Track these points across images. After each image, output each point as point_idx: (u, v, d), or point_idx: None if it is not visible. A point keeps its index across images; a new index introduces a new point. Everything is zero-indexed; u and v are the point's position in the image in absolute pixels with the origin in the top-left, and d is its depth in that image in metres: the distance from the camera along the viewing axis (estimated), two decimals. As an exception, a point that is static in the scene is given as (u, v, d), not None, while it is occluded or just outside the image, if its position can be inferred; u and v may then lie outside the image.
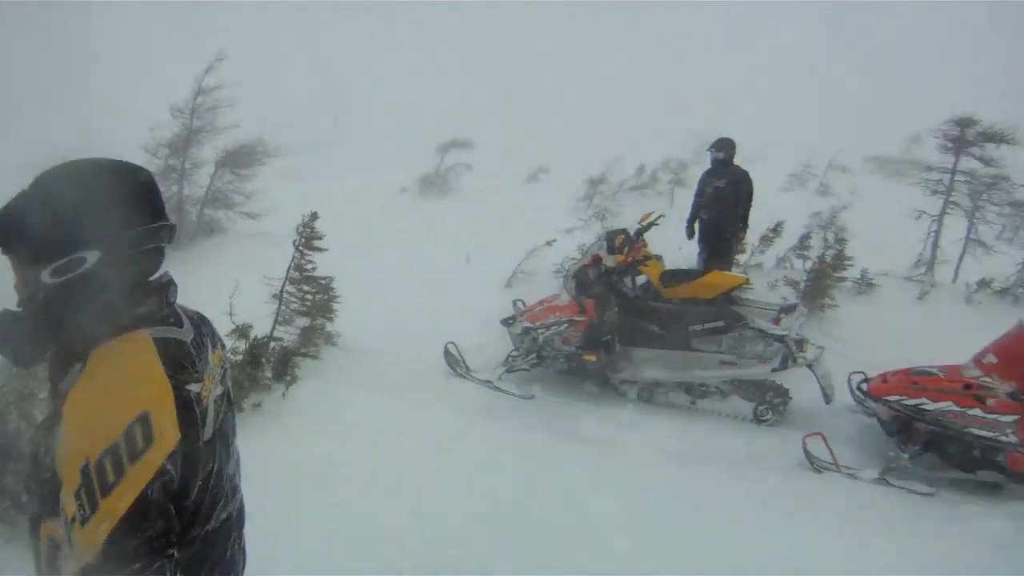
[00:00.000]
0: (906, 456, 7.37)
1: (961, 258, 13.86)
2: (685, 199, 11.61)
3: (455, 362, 8.71)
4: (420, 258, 12.74)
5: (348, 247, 10.12)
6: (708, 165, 11.08)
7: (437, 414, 7.47)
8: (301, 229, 8.42)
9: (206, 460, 1.89)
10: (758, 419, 8.47)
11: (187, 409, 1.81)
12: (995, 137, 13.03)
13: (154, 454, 1.67)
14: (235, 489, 2.16)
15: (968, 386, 7.22)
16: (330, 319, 8.93)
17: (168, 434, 1.72)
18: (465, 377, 8.62)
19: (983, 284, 12.71)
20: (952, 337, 9.30)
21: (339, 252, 8.98)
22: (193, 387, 1.86)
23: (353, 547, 4.93)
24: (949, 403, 7.17)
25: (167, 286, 2.02)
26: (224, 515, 2.02)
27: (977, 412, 7.08)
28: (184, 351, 1.90)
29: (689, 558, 5.37)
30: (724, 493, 6.66)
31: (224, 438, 2.07)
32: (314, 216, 8.51)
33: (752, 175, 10.99)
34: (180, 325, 1.98)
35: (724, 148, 10.80)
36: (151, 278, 1.97)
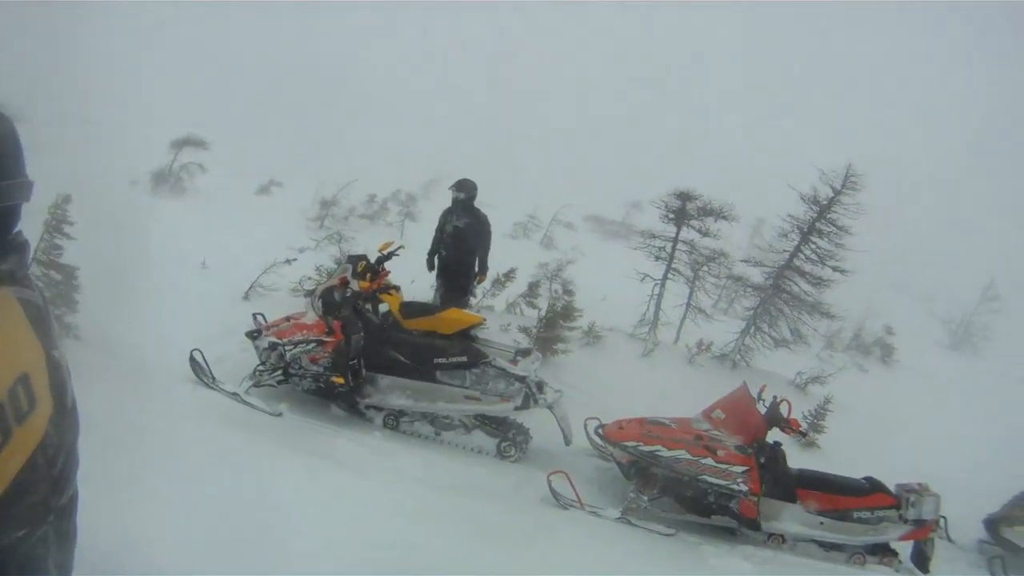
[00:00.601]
0: (645, 499, 7.94)
1: (682, 322, 14.96)
2: (413, 232, 11.90)
3: (201, 371, 8.43)
4: (159, 257, 12.19)
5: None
6: (437, 201, 11.30)
7: (190, 427, 7.23)
8: (52, 210, 7.94)
9: (71, 428, 1.79)
10: (502, 455, 8.74)
11: (57, 373, 1.72)
12: (712, 212, 14.21)
13: (39, 416, 1.60)
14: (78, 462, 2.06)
15: (699, 437, 7.90)
16: (73, 310, 8.46)
17: (46, 398, 1.64)
18: (211, 387, 8.36)
19: (703, 348, 13.76)
20: (675, 393, 10.11)
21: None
22: (55, 352, 1.76)
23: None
24: (683, 451, 7.80)
25: (24, 245, 1.87)
26: (72, 490, 1.86)
27: (709, 462, 7.76)
28: (42, 314, 1.80)
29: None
30: (476, 521, 6.85)
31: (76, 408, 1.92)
32: (67, 198, 8.06)
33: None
34: (33, 288, 1.84)
35: (465, 189, 11.00)
36: (8, 236, 1.80)
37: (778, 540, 8.21)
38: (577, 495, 7.87)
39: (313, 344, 8.40)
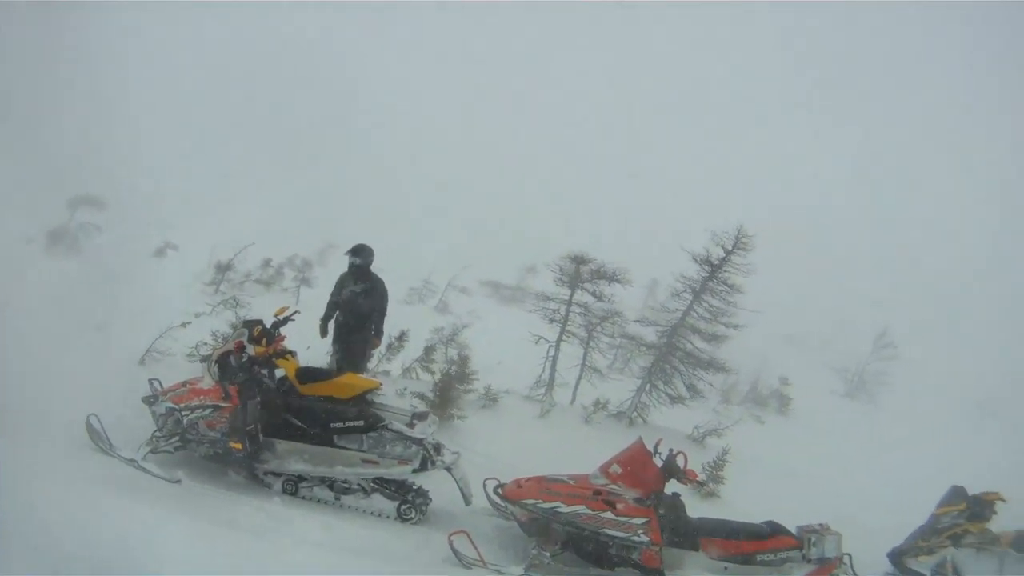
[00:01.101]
0: (547, 554, 7.95)
1: (578, 382, 15.09)
2: (309, 297, 11.85)
3: (97, 436, 8.24)
4: (53, 318, 11.85)
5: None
6: (332, 267, 11.28)
7: (83, 492, 7.02)
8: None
9: None
10: (402, 517, 8.69)
11: None
12: (605, 275, 14.46)
13: None
14: None
15: (598, 492, 7.95)
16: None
17: None
18: (108, 454, 8.17)
19: (598, 406, 13.88)
20: (573, 451, 10.17)
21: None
22: None
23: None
24: (582, 506, 7.85)
25: None
26: None
27: (608, 515, 7.81)
28: None
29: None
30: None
31: None
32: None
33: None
34: None
35: (362, 255, 10.98)
36: None
37: (684, 590, 8.27)
38: (479, 554, 7.84)
39: (210, 409, 8.33)
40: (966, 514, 9.90)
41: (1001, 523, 9.98)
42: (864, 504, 11.94)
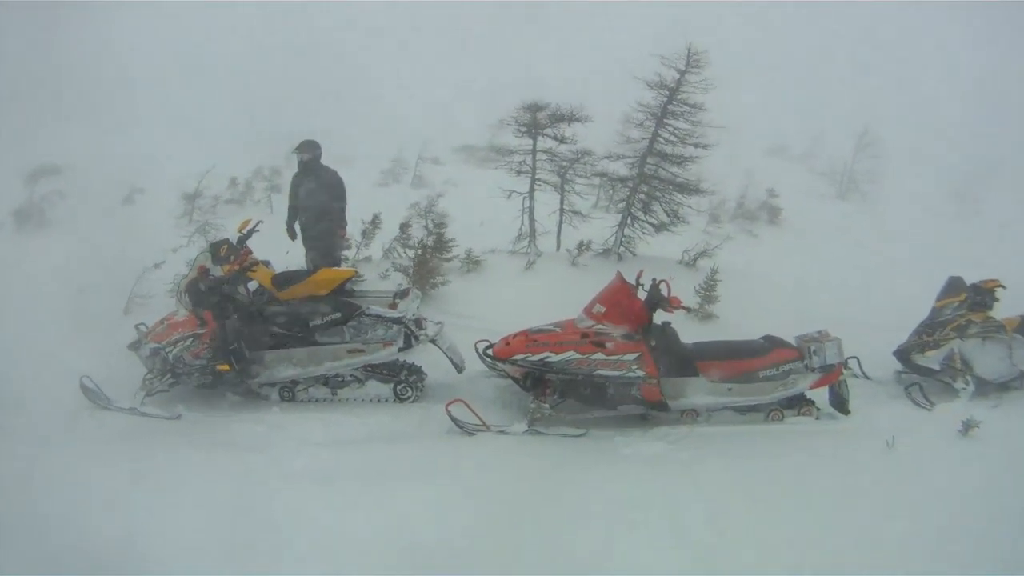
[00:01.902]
0: (547, 406, 7.94)
1: (560, 228, 14.87)
2: (283, 204, 11.59)
3: (94, 395, 8.24)
4: (34, 293, 11.72)
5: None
6: (297, 168, 11.10)
7: (92, 450, 7.11)
8: None
9: None
10: (399, 398, 8.74)
11: None
12: (563, 118, 14.11)
13: None
14: None
15: (585, 335, 7.85)
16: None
17: None
18: (108, 408, 8.16)
19: (582, 247, 13.74)
20: (564, 297, 9.97)
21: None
22: None
23: None
24: (571, 352, 7.75)
25: None
26: None
27: (600, 356, 7.74)
28: None
29: (375, 539, 5.50)
30: (383, 468, 6.81)
31: None
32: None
33: (341, 174, 11.11)
34: None
35: (309, 150, 10.84)
36: None
37: (692, 416, 8.29)
38: (479, 418, 7.84)
39: (190, 339, 8.31)
40: (967, 304, 9.80)
41: (1002, 310, 9.91)
42: (868, 304, 11.89)
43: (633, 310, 7.91)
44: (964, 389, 9.35)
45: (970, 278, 9.98)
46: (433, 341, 8.73)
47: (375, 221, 13.27)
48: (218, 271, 8.46)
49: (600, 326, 7.89)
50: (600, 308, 7.98)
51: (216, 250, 8.66)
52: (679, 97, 13.79)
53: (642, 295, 8.08)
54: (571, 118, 14.02)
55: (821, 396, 8.70)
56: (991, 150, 30.77)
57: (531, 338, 7.96)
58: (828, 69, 40.46)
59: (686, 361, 8.14)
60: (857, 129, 31.73)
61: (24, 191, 19.85)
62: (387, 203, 15.28)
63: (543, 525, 5.78)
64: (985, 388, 9.53)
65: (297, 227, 11.18)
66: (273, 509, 5.93)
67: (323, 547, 5.41)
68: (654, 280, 8.14)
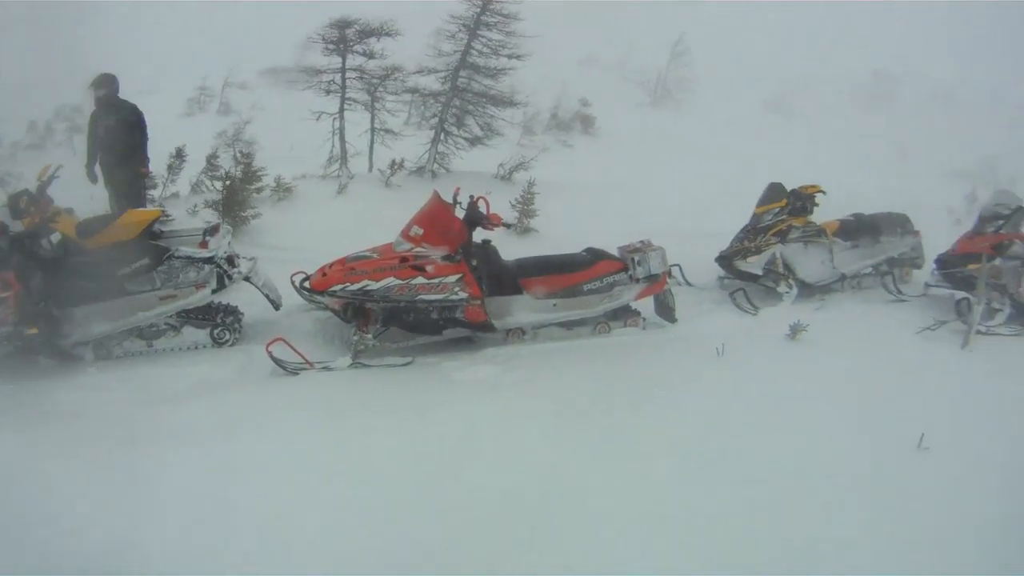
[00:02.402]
0: (370, 337, 7.70)
1: (371, 148, 14.56)
2: (84, 145, 10.84)
3: None
4: None
5: None
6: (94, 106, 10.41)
7: None
8: None
9: None
10: (217, 342, 8.28)
11: None
12: (373, 32, 13.68)
13: None
14: None
15: (404, 259, 7.61)
16: None
17: None
18: None
19: (396, 167, 13.41)
20: (380, 219, 9.79)
21: None
22: None
23: None
24: (391, 278, 7.50)
25: None
26: None
27: (420, 280, 7.51)
28: None
29: (192, 496, 5.20)
30: (203, 423, 6.37)
31: None
32: None
33: (143, 107, 10.49)
34: None
35: (105, 84, 10.23)
36: None
37: (518, 334, 8.23)
38: (302, 356, 7.54)
39: None
40: (788, 209, 10.00)
41: (821, 215, 10.21)
42: (683, 213, 12.04)
43: (452, 230, 7.69)
44: (787, 293, 9.67)
45: (788, 185, 10.19)
46: (247, 278, 8.28)
47: (180, 154, 12.58)
48: (18, 226, 7.74)
49: (419, 249, 7.65)
50: (418, 230, 7.72)
51: (15, 203, 7.77)
52: (492, 7, 13.49)
53: (460, 213, 7.87)
54: (381, 32, 13.67)
55: (647, 306, 8.78)
56: (801, 62, 31.90)
57: (348, 266, 7.66)
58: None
59: (509, 279, 8.03)
60: (671, 38, 32.19)
61: None
62: (193, 134, 14.55)
63: (376, 464, 5.59)
64: (808, 291, 9.83)
65: (98, 169, 10.50)
66: (105, 479, 5.48)
67: (153, 510, 5.03)
68: (472, 197, 7.95)
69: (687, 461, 5.59)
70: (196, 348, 8.25)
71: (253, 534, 4.73)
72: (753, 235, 10.06)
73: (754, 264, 9.84)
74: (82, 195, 10.08)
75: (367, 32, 13.63)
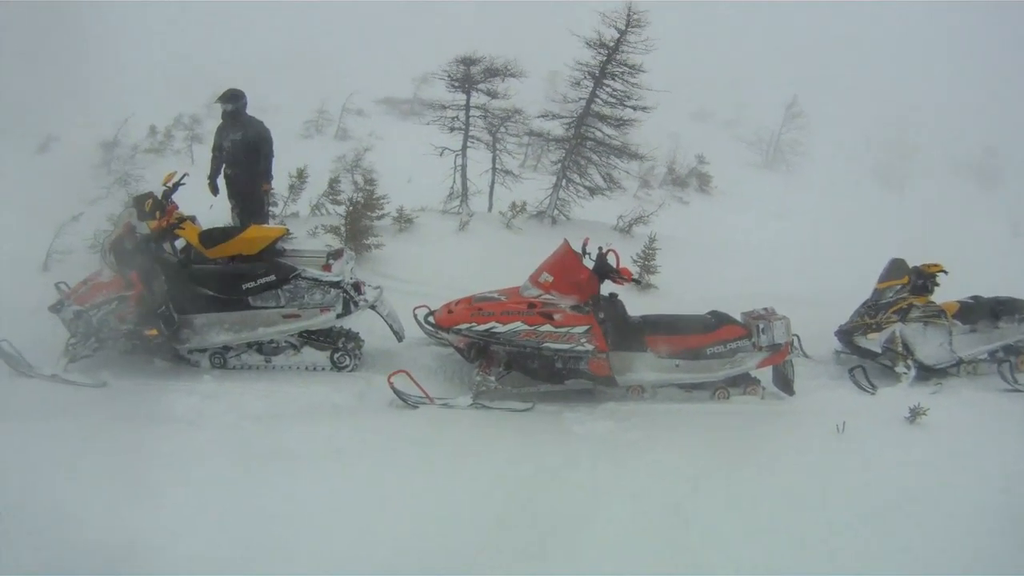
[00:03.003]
0: (492, 379, 7.69)
1: (492, 188, 14.64)
2: (205, 155, 11.08)
3: (14, 361, 7.67)
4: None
5: None
6: (221, 119, 10.63)
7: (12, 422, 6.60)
8: None
9: None
10: (336, 366, 8.34)
11: None
12: (498, 72, 13.81)
13: None
14: None
15: (532, 305, 7.57)
16: None
17: None
18: (30, 375, 7.62)
19: (517, 209, 13.44)
20: (500, 260, 9.84)
21: None
22: None
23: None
24: (518, 323, 7.48)
25: None
26: None
27: (548, 328, 7.47)
28: None
29: (312, 521, 5.26)
30: (326, 445, 6.46)
31: None
32: None
33: (265, 123, 10.65)
34: None
35: (233, 99, 10.32)
36: None
37: (638, 391, 8.13)
38: (423, 390, 7.56)
39: (116, 302, 7.75)
40: (909, 287, 9.77)
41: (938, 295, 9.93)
42: (803, 280, 11.83)
43: (582, 280, 7.65)
44: (905, 374, 9.34)
45: (900, 256, 9.98)
46: (373, 307, 8.34)
47: (302, 175, 12.79)
48: (144, 228, 7.94)
49: (548, 296, 7.63)
50: (548, 277, 7.70)
51: (141, 205, 8.01)
52: (618, 57, 13.51)
53: (588, 264, 7.83)
54: (505, 73, 13.76)
55: (765, 375, 8.61)
56: (913, 130, 31.39)
57: (475, 306, 7.67)
58: (756, 36, 40.67)
59: (634, 335, 7.94)
60: (785, 99, 31.92)
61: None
62: (311, 156, 14.75)
63: (496, 509, 5.58)
64: (925, 373, 9.55)
65: (220, 182, 10.68)
66: (217, 491, 5.56)
67: (269, 530, 5.10)
68: (601, 248, 7.90)
69: (807, 544, 5.46)
70: (314, 370, 8.34)
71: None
72: (874, 311, 9.83)
73: (874, 341, 9.62)
74: (202, 204, 10.31)
75: (492, 71, 13.76)
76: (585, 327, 7.55)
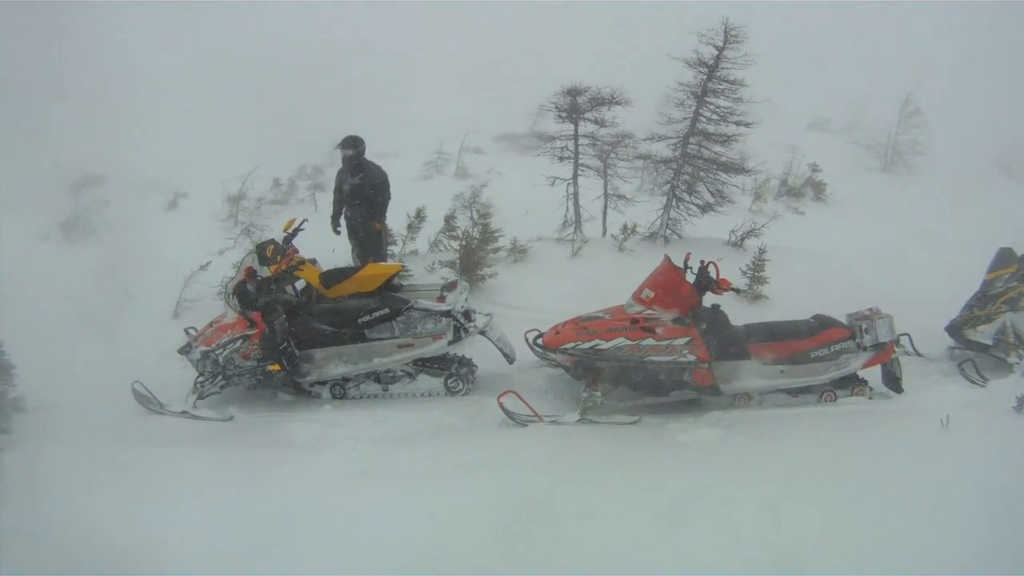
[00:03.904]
0: (599, 394, 7.90)
1: (605, 213, 14.83)
2: (327, 202, 11.62)
3: (146, 400, 8.37)
4: (83, 303, 11.82)
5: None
6: (341, 164, 11.12)
7: (147, 455, 7.14)
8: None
9: None
10: (450, 391, 8.75)
11: None
12: (604, 101, 14.01)
13: None
14: None
15: (635, 321, 7.79)
16: (10, 383, 8.05)
17: None
18: (161, 413, 8.29)
19: (628, 231, 13.58)
20: (612, 283, 9.91)
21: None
22: None
23: None
24: (621, 339, 7.70)
25: None
26: None
27: (650, 342, 7.67)
28: None
29: (434, 534, 5.55)
30: (438, 465, 6.80)
31: None
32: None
33: (385, 167, 11.09)
34: None
35: (353, 145, 10.76)
36: None
37: (744, 399, 8.23)
38: (532, 409, 7.84)
39: (240, 341, 8.37)
40: (1018, 276, 9.64)
41: None
42: (914, 280, 11.67)
43: (682, 293, 7.85)
44: (1018, 363, 9.12)
45: (1020, 249, 9.80)
46: (483, 333, 8.72)
47: (420, 214, 13.22)
48: (265, 272, 8.51)
49: (649, 311, 7.84)
50: (649, 293, 7.92)
51: (262, 251, 8.65)
52: (718, 74, 13.58)
53: (690, 278, 8.00)
54: (611, 101, 13.95)
55: (874, 375, 8.58)
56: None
57: (581, 326, 7.92)
58: (866, 38, 39.72)
59: (737, 344, 8.05)
60: (899, 99, 31.08)
61: (68, 201, 19.94)
62: (431, 196, 15.13)
63: (602, 519, 5.76)
64: (1038, 364, 9.36)
65: (342, 223, 11.17)
66: (336, 509, 5.94)
67: (386, 545, 5.42)
68: (702, 262, 8.04)
69: (910, 542, 5.42)
70: (429, 395, 8.78)
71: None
72: (983, 303, 9.72)
73: (984, 333, 9.48)
74: (325, 248, 10.83)
75: (598, 101, 13.95)
76: (687, 338, 7.72)
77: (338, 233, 11.21)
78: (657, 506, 5.97)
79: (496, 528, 5.58)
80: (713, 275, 7.94)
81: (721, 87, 13.69)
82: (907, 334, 9.60)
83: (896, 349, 8.57)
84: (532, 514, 5.77)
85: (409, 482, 6.41)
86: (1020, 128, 28.11)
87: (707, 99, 13.76)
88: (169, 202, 21.08)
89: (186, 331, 9.22)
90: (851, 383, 8.43)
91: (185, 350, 8.67)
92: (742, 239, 13.79)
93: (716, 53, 13.38)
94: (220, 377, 8.45)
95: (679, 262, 8.09)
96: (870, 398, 8.41)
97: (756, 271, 11.75)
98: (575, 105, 13.94)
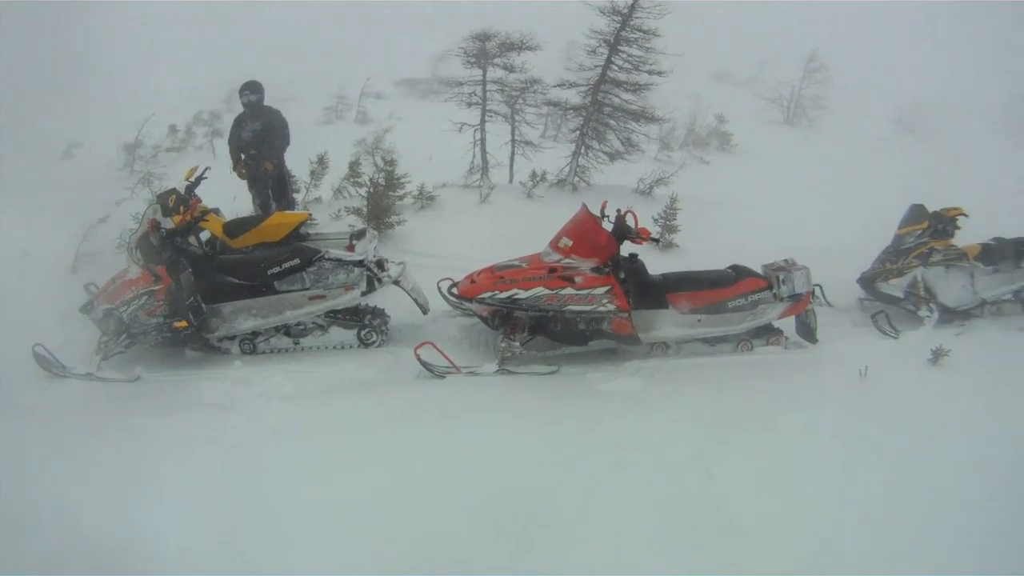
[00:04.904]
0: (517, 344, 7.79)
1: (512, 160, 14.72)
2: (225, 149, 11.22)
3: (48, 363, 7.90)
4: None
5: None
6: (239, 110, 10.81)
7: (52, 421, 6.74)
8: None
9: None
10: (364, 343, 8.52)
11: None
12: (514, 46, 13.82)
13: None
14: None
15: (553, 270, 7.66)
16: None
17: None
18: (65, 376, 7.84)
19: (537, 178, 13.49)
20: (522, 230, 9.83)
21: None
22: None
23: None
24: (540, 288, 7.56)
25: None
26: None
27: (569, 291, 7.54)
28: None
29: (360, 491, 5.41)
30: (355, 420, 6.60)
31: None
32: None
33: (284, 113, 10.86)
34: None
35: (256, 90, 10.59)
36: None
37: (662, 348, 8.22)
38: (449, 360, 7.67)
39: (145, 297, 7.99)
40: (929, 231, 9.84)
41: (962, 238, 9.98)
42: (826, 231, 11.83)
43: (601, 242, 7.72)
44: (928, 317, 9.46)
45: (929, 207, 9.99)
46: (397, 283, 8.49)
47: (322, 161, 12.91)
48: (168, 223, 8.10)
49: (568, 260, 7.71)
50: (567, 241, 7.78)
51: (164, 201, 8.21)
52: (632, 23, 13.47)
53: (607, 226, 7.89)
54: (521, 47, 13.76)
55: (788, 325, 8.66)
56: (936, 81, 30.98)
57: (497, 275, 7.77)
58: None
59: (656, 293, 8.02)
60: (804, 54, 31.55)
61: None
62: (332, 141, 14.85)
63: (528, 469, 5.68)
64: (948, 316, 9.64)
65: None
66: (254, 469, 5.72)
67: (310, 504, 5.25)
68: (619, 210, 7.93)
69: (834, 490, 5.52)
70: (342, 348, 8.52)
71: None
72: (895, 257, 9.94)
73: (895, 286, 9.71)
74: (226, 196, 10.47)
75: (507, 46, 13.78)
76: (606, 287, 7.61)
77: (243, 177, 10.87)
78: (592, 451, 5.96)
79: (423, 479, 5.51)
80: (631, 224, 7.84)
81: (634, 36, 13.58)
82: (819, 285, 9.72)
83: (811, 301, 8.64)
84: (458, 465, 5.71)
85: (325, 438, 6.20)
86: (922, 87, 28.84)
87: (620, 47, 13.66)
88: (63, 152, 20.20)
89: (87, 287, 8.74)
90: (767, 333, 8.49)
91: (87, 308, 8.20)
92: (651, 187, 13.81)
93: (631, 1, 13.23)
94: (125, 336, 8.06)
95: (594, 210, 7.97)
96: (786, 348, 8.48)
97: (668, 220, 11.76)
98: (484, 50, 13.70)
